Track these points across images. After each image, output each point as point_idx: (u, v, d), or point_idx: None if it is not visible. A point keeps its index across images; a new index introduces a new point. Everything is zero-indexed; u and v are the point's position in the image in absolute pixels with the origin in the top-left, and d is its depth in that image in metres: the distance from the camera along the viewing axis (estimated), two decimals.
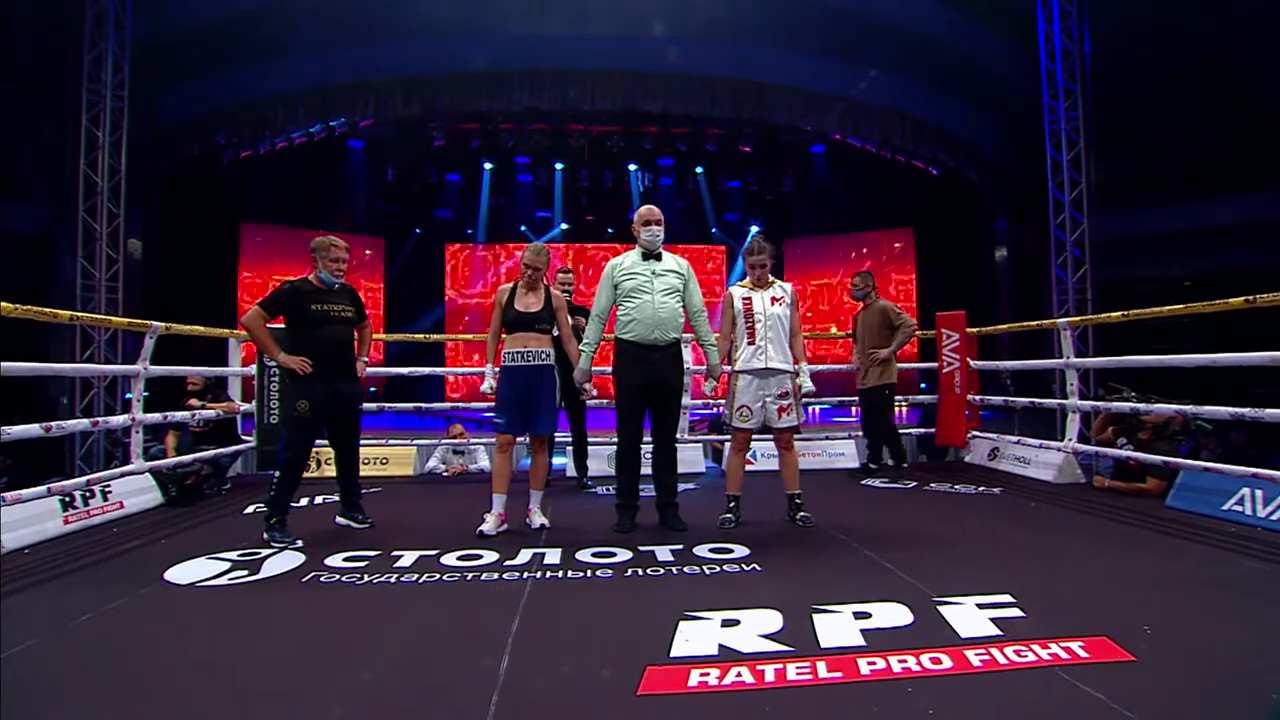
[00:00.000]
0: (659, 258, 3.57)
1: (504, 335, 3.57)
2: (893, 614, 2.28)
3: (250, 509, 4.04)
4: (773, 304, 3.65)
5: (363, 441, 5.53)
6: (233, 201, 11.99)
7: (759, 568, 2.87)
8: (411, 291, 14.82)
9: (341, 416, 3.54)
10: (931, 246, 13.82)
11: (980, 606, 2.31)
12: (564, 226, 15.25)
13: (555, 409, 3.62)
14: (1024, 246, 11.77)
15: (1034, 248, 10.10)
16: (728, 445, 5.60)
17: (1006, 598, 2.38)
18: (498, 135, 12.15)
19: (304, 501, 4.30)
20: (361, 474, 5.24)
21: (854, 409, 6.65)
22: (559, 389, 3.62)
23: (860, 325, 5.36)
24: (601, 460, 5.48)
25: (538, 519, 3.56)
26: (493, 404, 3.58)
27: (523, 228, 15.29)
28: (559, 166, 14.18)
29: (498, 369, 3.57)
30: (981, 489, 4.60)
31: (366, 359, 3.71)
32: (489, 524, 3.42)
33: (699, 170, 14.49)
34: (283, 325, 3.46)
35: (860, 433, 5.66)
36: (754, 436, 3.76)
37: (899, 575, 2.70)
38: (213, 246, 11.87)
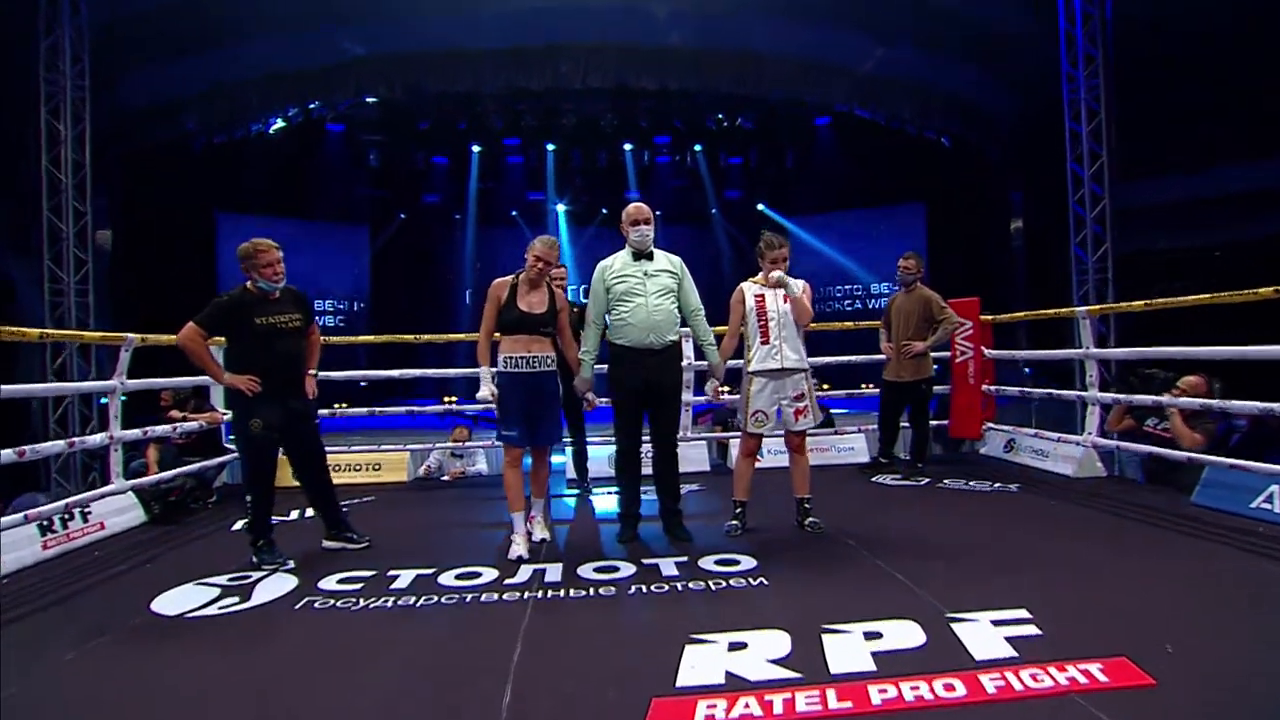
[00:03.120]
0: (650, 257, 3.55)
1: (500, 336, 3.45)
2: (904, 633, 2.31)
3: (239, 524, 4.06)
4: (786, 301, 3.64)
5: (355, 448, 5.73)
6: (207, 190, 11.87)
7: (766, 581, 2.90)
8: (399, 278, 14.77)
9: (298, 438, 3.43)
10: (943, 221, 13.71)
11: (995, 624, 2.34)
12: (560, 207, 15.18)
13: (559, 417, 3.59)
14: (1040, 221, 11.68)
15: (1051, 223, 10.01)
16: (734, 444, 5.69)
17: (1022, 613, 2.40)
18: (485, 116, 12.06)
19: (293, 515, 4.32)
20: (355, 481, 5.49)
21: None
22: (562, 396, 3.58)
23: (896, 312, 5.22)
24: (602, 462, 5.49)
25: (539, 531, 3.55)
26: (489, 408, 3.49)
27: (514, 212, 15.21)
28: (551, 148, 14.06)
29: (494, 371, 3.44)
30: (997, 486, 4.62)
31: (315, 372, 3.61)
32: (520, 546, 3.31)
33: (698, 148, 14.38)
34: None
35: (875, 426, 5.60)
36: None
37: (910, 588, 2.73)
38: (188, 238, 11.79)
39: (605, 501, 4.58)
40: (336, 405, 12.18)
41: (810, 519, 3.69)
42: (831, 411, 7.08)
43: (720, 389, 3.76)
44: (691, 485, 4.93)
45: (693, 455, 5.77)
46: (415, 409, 6.01)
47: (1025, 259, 12.51)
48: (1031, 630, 2.28)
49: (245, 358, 3.28)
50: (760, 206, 15.28)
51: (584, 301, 3.79)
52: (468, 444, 5.85)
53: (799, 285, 3.70)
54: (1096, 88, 7.71)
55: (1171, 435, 4.24)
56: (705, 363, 3.79)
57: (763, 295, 3.66)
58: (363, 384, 12.65)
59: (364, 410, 5.79)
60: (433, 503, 4.87)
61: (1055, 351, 6.22)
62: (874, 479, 5.06)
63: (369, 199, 14.30)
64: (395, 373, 5.73)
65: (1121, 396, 4.62)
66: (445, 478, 5.69)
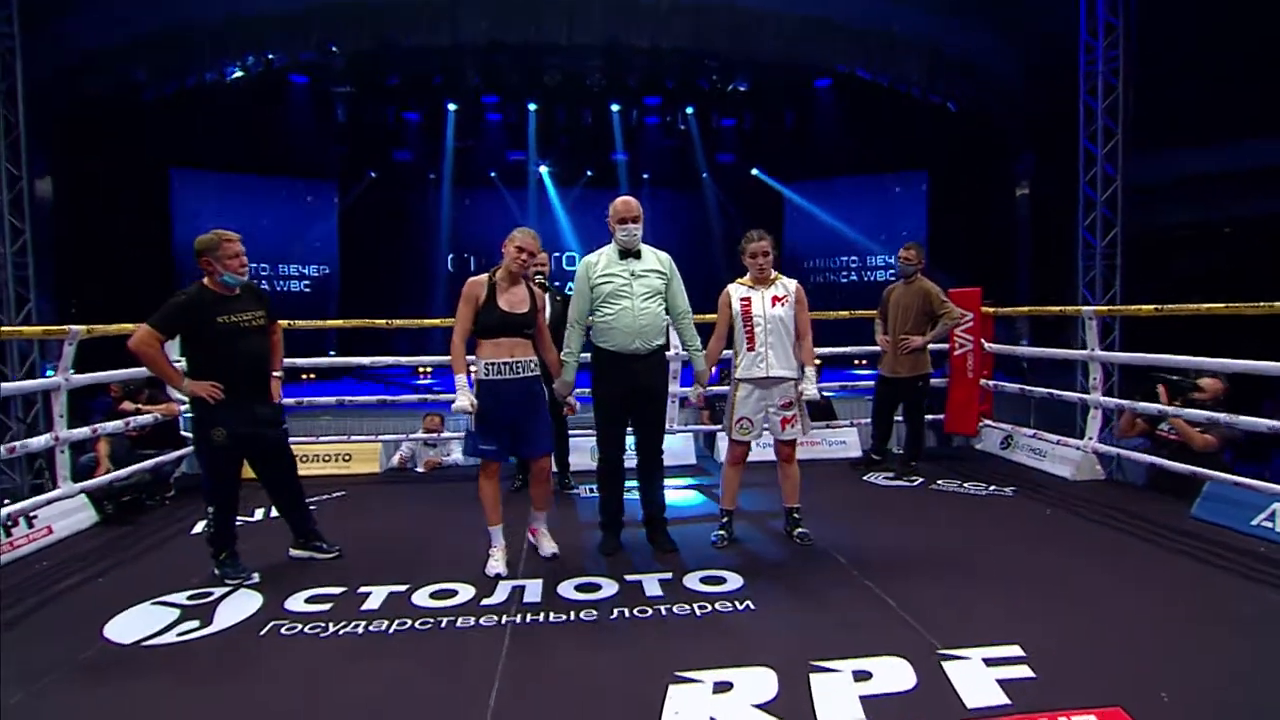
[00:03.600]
0: (638, 255, 3.49)
1: (478, 341, 3.32)
2: (894, 673, 2.34)
3: (199, 526, 4.00)
4: (774, 305, 3.61)
5: (324, 438, 5.67)
6: (159, 144, 11.52)
7: (753, 605, 2.92)
8: (371, 241, 14.54)
9: (266, 445, 3.35)
10: (946, 192, 13.71)
11: (987, 663, 2.38)
12: (543, 169, 14.95)
13: (549, 423, 3.52)
14: (1047, 193, 11.65)
15: (1057, 195, 9.96)
16: (722, 439, 5.71)
17: (1016, 650, 2.45)
18: (461, 71, 11.73)
19: (258, 514, 4.28)
20: (324, 472, 5.44)
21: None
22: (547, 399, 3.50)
23: (892, 304, 5.18)
24: (584, 454, 5.48)
25: (548, 545, 3.49)
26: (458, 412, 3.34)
27: (493, 173, 14.98)
28: (532, 107, 13.80)
29: (472, 379, 3.31)
30: (992, 488, 4.67)
31: (280, 373, 3.53)
32: (499, 562, 3.29)
33: (689, 110, 14.22)
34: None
35: (868, 420, 5.65)
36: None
37: (901, 616, 2.76)
38: (138, 197, 11.45)
39: (587, 501, 4.57)
40: (304, 375, 12.19)
41: (799, 530, 3.73)
42: (831, 399, 7.11)
43: (703, 395, 3.74)
44: (676, 481, 4.94)
45: (678, 448, 5.78)
46: (388, 398, 5.90)
47: (1030, 232, 12.52)
48: (1025, 672, 2.32)
49: (205, 361, 3.19)
50: (755, 171, 15.19)
51: (570, 292, 3.71)
52: (441, 434, 5.81)
53: (791, 285, 3.67)
54: (1115, 59, 7.57)
55: (1184, 439, 4.29)
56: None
57: (749, 298, 3.63)
58: (331, 352, 12.68)
59: (332, 400, 5.68)
60: (407, 499, 4.84)
61: (1059, 351, 6.24)
62: (865, 477, 5.10)
63: (336, 155, 14.00)
64: (366, 360, 5.63)
65: (1126, 403, 4.67)
66: (420, 469, 5.65)
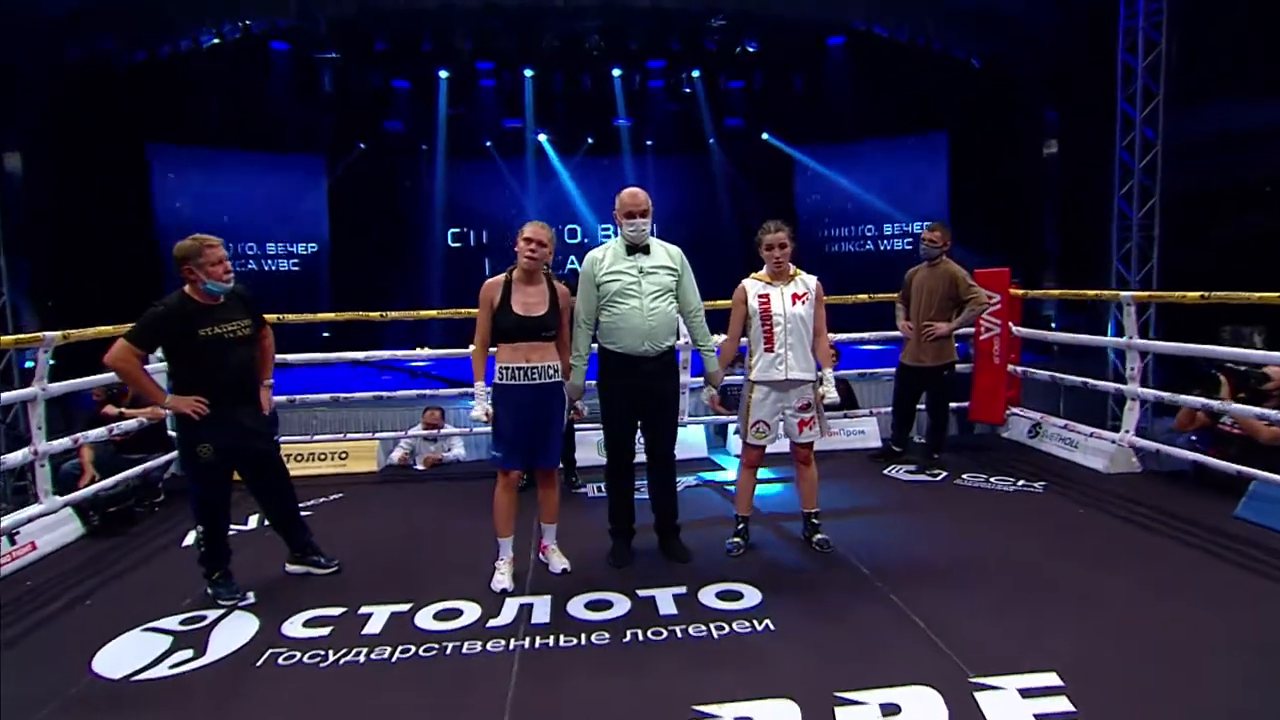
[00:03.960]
0: (647, 251, 3.40)
1: (496, 345, 3.29)
2: (924, 706, 2.30)
3: (190, 537, 3.97)
4: (794, 302, 3.52)
5: (318, 437, 5.63)
6: (134, 118, 11.30)
7: (772, 625, 2.88)
8: (362, 216, 14.42)
9: (256, 460, 3.29)
10: (968, 154, 13.43)
11: (1023, 694, 2.33)
12: (542, 137, 14.79)
13: (561, 434, 3.47)
14: (1077, 158, 11.36)
15: (1089, 162, 9.69)
16: (735, 439, 5.65)
17: (1052, 679, 2.40)
18: (452, 36, 11.49)
19: (251, 522, 4.25)
20: (320, 472, 5.40)
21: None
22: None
23: (915, 288, 5.08)
24: (590, 448, 5.42)
25: (558, 561, 3.46)
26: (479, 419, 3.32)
27: (488, 142, 14.79)
28: (529, 73, 13.57)
29: (490, 388, 3.29)
30: (1021, 483, 4.62)
31: (271, 382, 3.48)
32: (505, 576, 3.28)
33: (695, 73, 13.93)
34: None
35: (888, 409, 5.59)
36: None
37: (930, 639, 2.71)
38: (113, 175, 11.27)
39: (595, 503, 4.52)
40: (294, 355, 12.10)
41: (818, 536, 3.69)
42: (850, 384, 7.05)
43: (717, 398, 3.68)
44: (687, 478, 4.90)
45: (689, 440, 5.73)
46: (385, 394, 5.84)
47: (1057, 200, 12.24)
48: (1063, 706, 2.27)
49: (189, 375, 3.11)
50: (765, 136, 14.96)
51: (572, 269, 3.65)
52: (441, 429, 5.77)
53: (811, 281, 3.58)
54: (1158, 12, 7.24)
55: (1249, 433, 4.19)
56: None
57: (768, 295, 3.54)
58: (325, 333, 12.64)
59: (326, 397, 5.63)
60: (406, 501, 4.82)
61: (1093, 338, 6.10)
62: (886, 471, 5.06)
63: (323, 126, 13.78)
64: (360, 355, 5.59)
65: (1166, 395, 4.56)
66: (420, 466, 5.62)
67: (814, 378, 3.57)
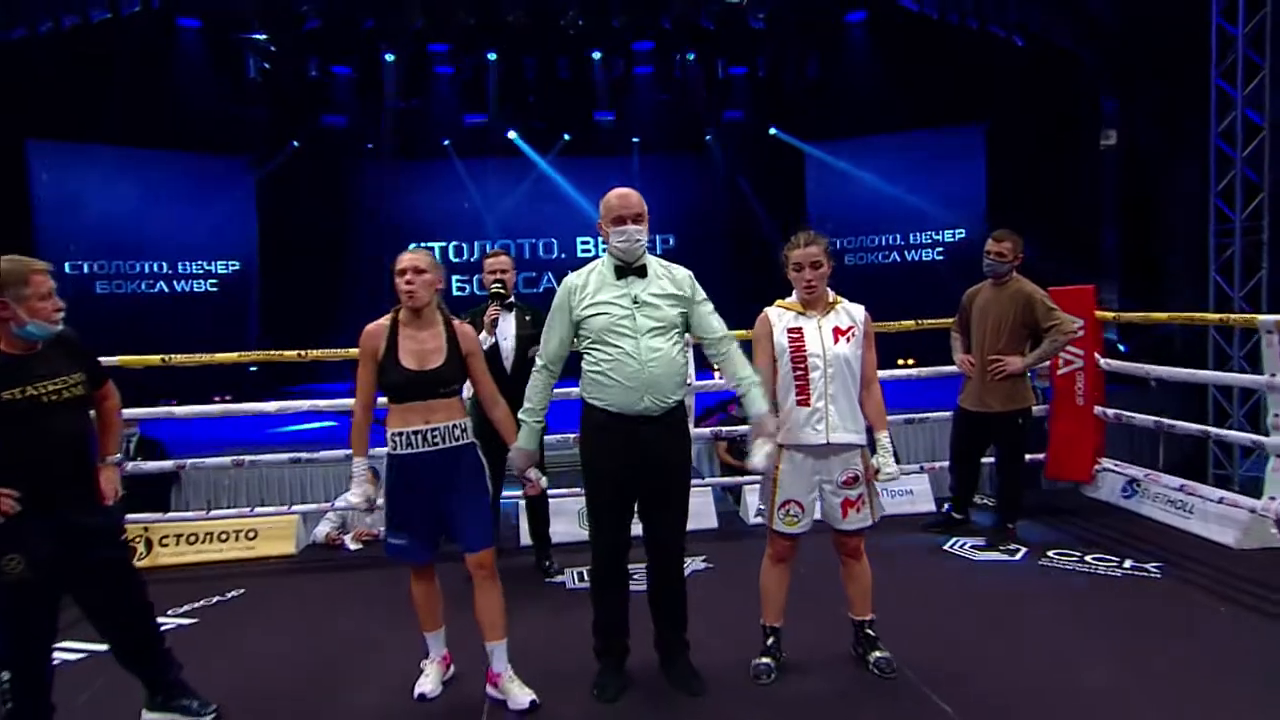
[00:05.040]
0: (642, 273, 2.94)
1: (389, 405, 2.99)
2: None
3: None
4: (836, 339, 3.03)
5: (215, 513, 5.08)
6: (9, 111, 10.71)
7: None
8: (298, 227, 13.98)
9: (93, 573, 2.70)
10: (1008, 150, 13.26)
11: None
12: (511, 135, 14.65)
13: (489, 506, 3.16)
14: (1146, 153, 11.09)
15: (1161, 158, 9.35)
16: (751, 494, 5.15)
17: None
18: (400, 12, 11.26)
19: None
20: (221, 558, 4.83)
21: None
22: (488, 470, 3.10)
23: (978, 313, 4.68)
24: (570, 520, 4.95)
25: (519, 694, 2.93)
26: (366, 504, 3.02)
27: (446, 141, 14.59)
28: (492, 56, 13.40)
29: (370, 467, 3.06)
30: (1129, 564, 4.15)
31: (117, 456, 2.93)
32: (430, 679, 3.07)
33: (690, 56, 13.83)
34: None
35: (945, 464, 5.17)
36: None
37: None
38: None
39: (576, 599, 3.95)
40: (217, 398, 11.58)
41: (877, 655, 3.17)
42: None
43: (724, 445, 3.19)
44: (695, 559, 4.43)
45: (695, 505, 5.17)
46: (304, 456, 5.28)
47: (1118, 204, 11.99)
48: None
49: None
50: (772, 131, 14.82)
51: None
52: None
53: (858, 313, 3.11)
54: None
55: None
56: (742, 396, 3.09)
57: (800, 329, 3.06)
58: (252, 367, 12.12)
59: (227, 461, 5.05)
60: (331, 595, 4.30)
61: (1217, 374, 5.65)
62: (947, 545, 4.64)
63: (249, 121, 13.38)
64: (271, 406, 5.04)
65: None
66: (352, 546, 5.06)
67: (862, 441, 3.09)
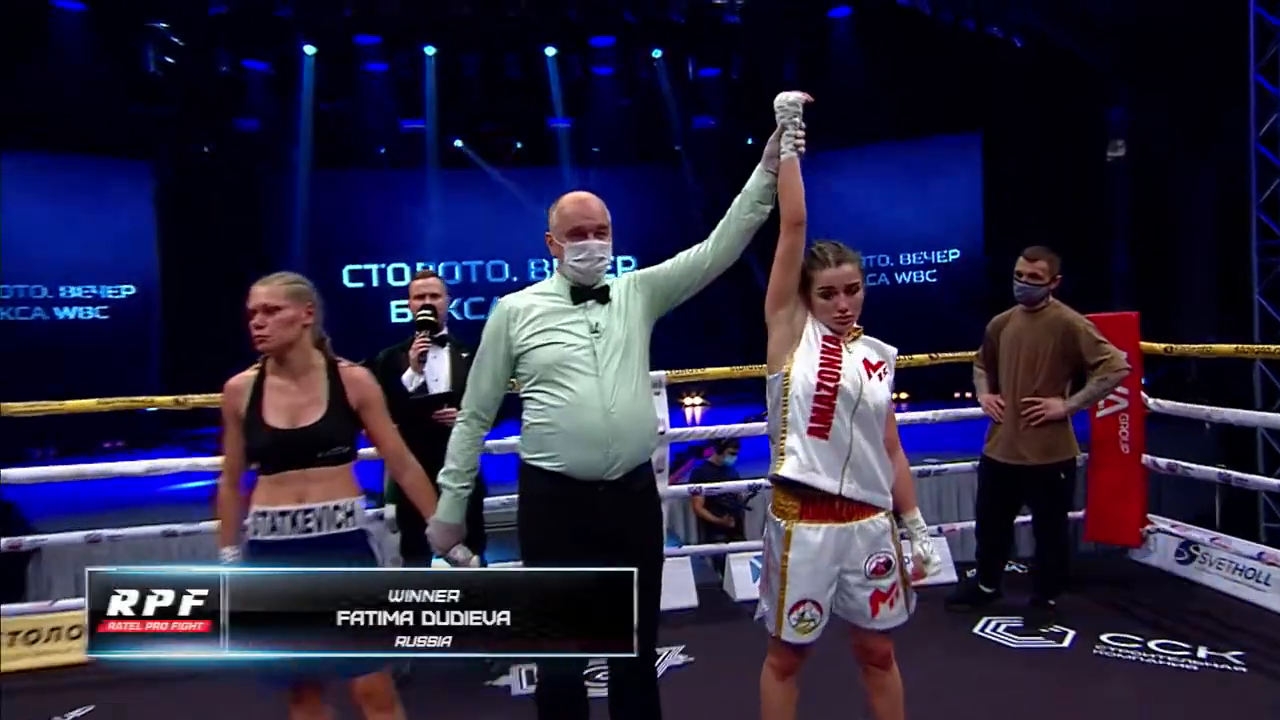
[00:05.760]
0: (604, 296, 2.61)
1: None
2: None
3: None
4: (870, 373, 2.61)
5: (67, 603, 4.51)
6: None
7: None
8: (205, 246, 13.47)
9: None
10: (1006, 161, 13.47)
11: None
12: (458, 144, 14.70)
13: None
14: (1160, 163, 11.17)
15: (1178, 168, 9.32)
16: (735, 563, 4.82)
17: None
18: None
19: None
20: (64, 662, 4.24)
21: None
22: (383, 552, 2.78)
23: (1009, 345, 4.40)
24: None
25: None
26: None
27: (381, 149, 14.50)
28: (430, 51, 13.31)
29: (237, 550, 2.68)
30: (1204, 653, 3.81)
31: None
32: None
33: (656, 54, 13.91)
34: None
35: (969, 525, 4.93)
36: None
37: None
38: None
39: (526, 710, 3.43)
40: (108, 444, 10.84)
41: None
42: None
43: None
44: (671, 650, 4.06)
45: (669, 578, 4.75)
46: (179, 529, 4.67)
47: (1128, 220, 12.17)
48: None
49: None
50: (750, 141, 14.74)
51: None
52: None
53: (890, 353, 2.73)
54: None
55: None
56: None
57: (836, 347, 2.60)
58: (150, 409, 11.58)
59: (80, 535, 4.49)
60: (206, 705, 3.76)
61: (1265, 415, 5.38)
62: (977, 628, 4.29)
63: (148, 122, 13.07)
64: (139, 467, 4.52)
65: None
66: None
67: (889, 507, 2.66)
